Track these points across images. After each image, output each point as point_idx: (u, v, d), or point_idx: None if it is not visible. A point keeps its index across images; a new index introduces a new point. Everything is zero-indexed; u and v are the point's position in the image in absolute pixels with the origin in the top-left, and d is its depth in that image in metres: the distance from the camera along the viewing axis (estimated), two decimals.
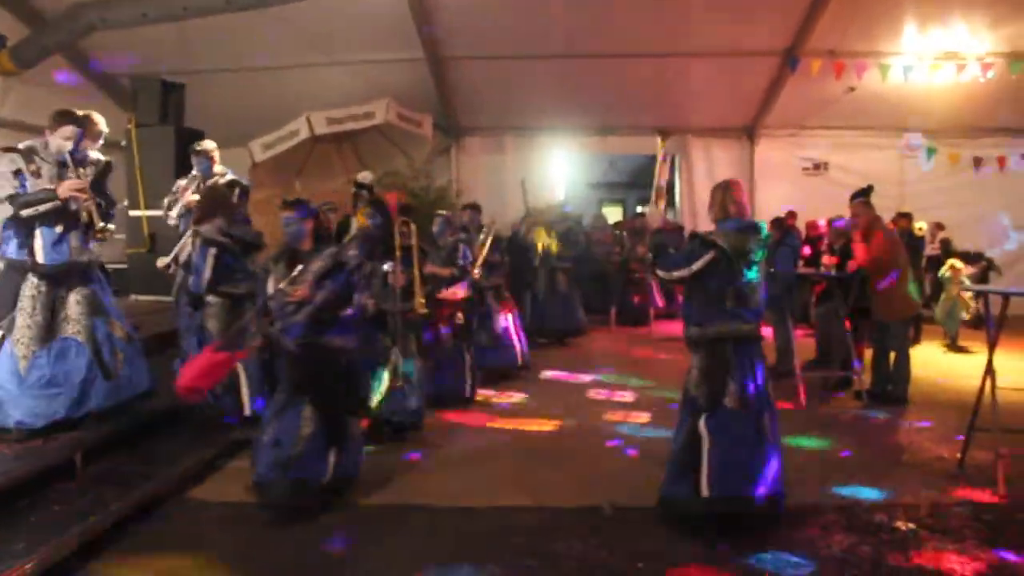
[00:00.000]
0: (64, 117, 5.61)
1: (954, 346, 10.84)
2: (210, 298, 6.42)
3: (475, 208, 10.04)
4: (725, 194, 4.99)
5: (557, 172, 14.96)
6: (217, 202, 6.59)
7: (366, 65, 12.22)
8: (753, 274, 4.85)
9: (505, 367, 9.13)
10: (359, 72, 12.24)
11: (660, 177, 5.61)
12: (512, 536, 4.75)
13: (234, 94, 12.37)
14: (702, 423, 4.75)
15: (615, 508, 5.12)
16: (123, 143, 10.33)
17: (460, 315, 7.93)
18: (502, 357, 9.14)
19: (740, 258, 4.79)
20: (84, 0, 10.10)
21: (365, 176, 10.24)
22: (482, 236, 9.18)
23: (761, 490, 4.63)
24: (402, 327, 6.68)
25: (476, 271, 8.53)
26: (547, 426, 7.19)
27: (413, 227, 6.88)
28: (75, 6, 10.15)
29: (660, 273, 5.09)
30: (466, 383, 7.97)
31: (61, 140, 5.56)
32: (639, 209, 21.95)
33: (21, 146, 5.58)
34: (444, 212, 9.17)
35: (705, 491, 4.62)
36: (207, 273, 6.32)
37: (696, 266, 4.80)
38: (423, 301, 6.72)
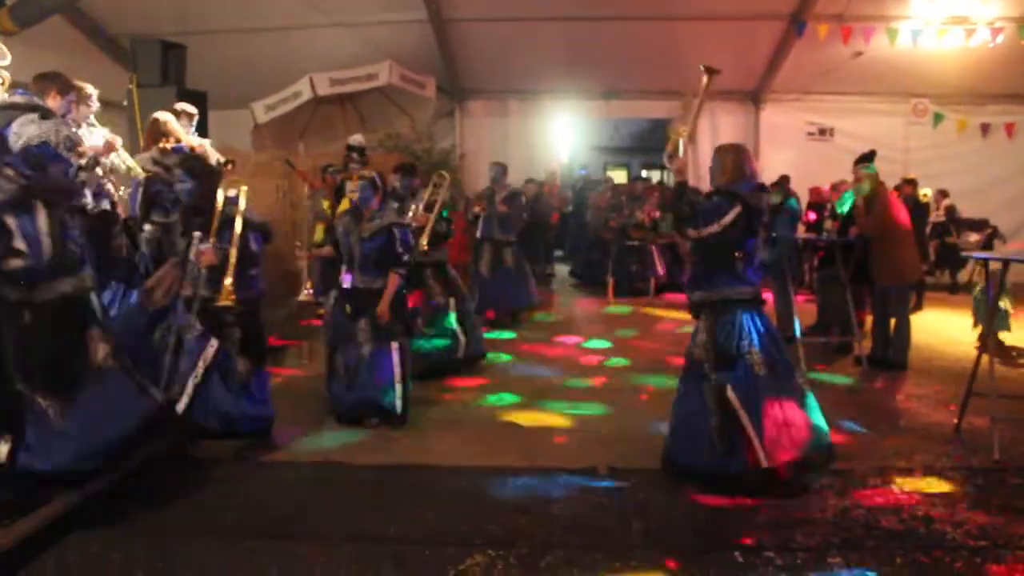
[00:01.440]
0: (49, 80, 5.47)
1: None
2: (145, 225, 6.43)
3: (408, 171, 8.18)
4: (738, 155, 4.92)
5: (561, 135, 14.88)
6: (151, 133, 6.68)
7: (369, 27, 12.14)
8: (758, 238, 4.83)
9: (443, 362, 7.63)
10: (362, 33, 12.15)
11: (693, 122, 5.36)
12: (506, 495, 4.81)
13: (236, 55, 12.30)
14: (730, 393, 4.68)
15: (611, 469, 5.17)
16: (124, 103, 10.29)
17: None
18: (441, 349, 7.67)
19: (756, 217, 4.75)
20: None
21: (356, 138, 10.22)
22: (424, 199, 7.81)
23: (819, 445, 4.72)
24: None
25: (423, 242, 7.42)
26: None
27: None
28: None
29: (691, 232, 4.87)
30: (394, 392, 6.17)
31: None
32: (644, 174, 21.90)
33: None
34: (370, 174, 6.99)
35: (764, 463, 4.58)
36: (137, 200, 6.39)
37: (727, 219, 4.67)
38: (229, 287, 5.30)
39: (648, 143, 24.09)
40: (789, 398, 4.73)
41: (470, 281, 9.75)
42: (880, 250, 7.74)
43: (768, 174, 12.57)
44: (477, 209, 9.97)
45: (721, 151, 5.00)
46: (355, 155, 9.93)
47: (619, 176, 23.73)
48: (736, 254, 4.76)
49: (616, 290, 12.39)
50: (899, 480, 4.95)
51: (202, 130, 8.25)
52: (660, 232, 12.55)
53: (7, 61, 6.14)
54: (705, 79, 5.27)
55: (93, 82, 6.63)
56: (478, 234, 10.03)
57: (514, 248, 9.96)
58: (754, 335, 4.77)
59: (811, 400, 4.84)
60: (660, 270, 12.70)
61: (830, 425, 4.98)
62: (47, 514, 4.16)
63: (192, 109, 7.58)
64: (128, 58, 11.64)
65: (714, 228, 4.72)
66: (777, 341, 4.87)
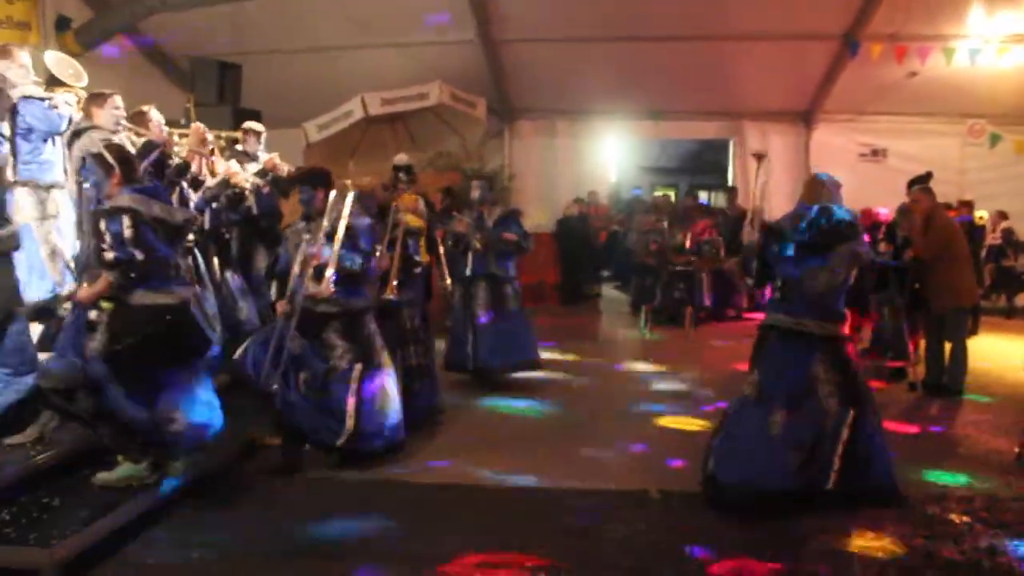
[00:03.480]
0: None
1: None
2: None
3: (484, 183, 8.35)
4: (813, 187, 5.04)
5: (609, 156, 14.86)
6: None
7: (420, 47, 12.27)
8: (789, 254, 4.78)
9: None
10: (413, 54, 12.29)
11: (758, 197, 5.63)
12: (557, 515, 4.78)
13: (290, 75, 12.50)
14: (731, 403, 5.03)
15: (662, 492, 5.12)
16: (182, 122, 10.51)
17: None
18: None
19: (775, 239, 4.78)
20: None
21: (401, 158, 10.29)
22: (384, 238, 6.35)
23: (756, 481, 4.65)
24: None
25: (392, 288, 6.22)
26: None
27: None
28: None
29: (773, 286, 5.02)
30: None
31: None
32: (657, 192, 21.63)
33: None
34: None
35: (708, 470, 4.83)
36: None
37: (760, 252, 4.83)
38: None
39: (696, 164, 23.95)
40: (755, 425, 4.74)
41: (450, 330, 8.13)
42: (936, 273, 7.59)
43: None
44: (460, 228, 7.89)
45: (805, 184, 5.23)
46: (402, 175, 10.03)
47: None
48: (772, 275, 4.89)
49: (657, 318, 11.51)
50: (959, 509, 4.82)
51: None
52: (704, 256, 11.55)
53: (84, 82, 6.34)
54: (755, 165, 5.52)
55: (151, 101, 6.80)
56: (467, 270, 7.85)
57: (515, 286, 8.04)
58: (768, 359, 4.87)
59: (776, 446, 4.68)
60: (707, 300, 11.73)
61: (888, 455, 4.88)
62: (103, 527, 4.24)
63: (259, 127, 7.75)
64: (185, 78, 11.95)
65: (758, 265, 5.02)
66: (800, 379, 4.75)
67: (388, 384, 5.65)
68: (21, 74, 5.99)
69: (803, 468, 4.67)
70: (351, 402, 5.40)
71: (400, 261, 6.37)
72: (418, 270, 6.83)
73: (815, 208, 4.80)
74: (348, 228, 5.47)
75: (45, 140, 5.88)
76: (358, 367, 5.49)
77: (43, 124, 5.79)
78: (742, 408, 4.89)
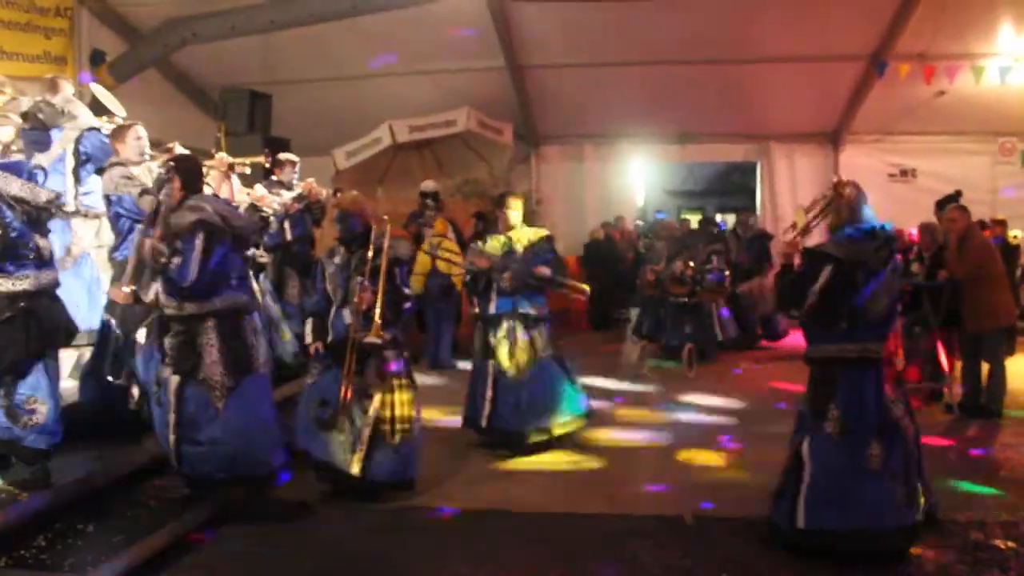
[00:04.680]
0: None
1: None
2: None
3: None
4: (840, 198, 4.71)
5: (636, 179, 14.85)
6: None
7: (447, 74, 12.38)
8: (874, 284, 4.46)
9: None
10: (440, 81, 12.39)
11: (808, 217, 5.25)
12: (592, 542, 4.74)
13: (318, 104, 12.67)
14: (805, 446, 4.54)
15: (697, 518, 5.06)
16: (213, 151, 10.66)
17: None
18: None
19: (857, 269, 4.45)
20: (177, 16, 10.51)
21: (428, 185, 10.40)
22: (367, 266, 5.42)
23: (869, 522, 4.35)
24: None
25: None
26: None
27: None
28: (168, 22, 10.58)
29: (795, 313, 4.74)
30: None
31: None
32: (719, 218, 21.50)
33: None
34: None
35: (801, 522, 4.42)
36: None
37: (818, 286, 4.42)
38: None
39: (723, 187, 23.87)
40: (850, 466, 4.43)
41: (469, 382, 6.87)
42: (972, 294, 7.48)
43: None
44: (482, 264, 6.65)
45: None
46: (429, 201, 10.12)
47: (692, 222, 23.51)
48: (841, 312, 4.46)
49: (668, 356, 10.28)
50: (1003, 535, 4.71)
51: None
52: (706, 288, 10.04)
53: (124, 114, 6.48)
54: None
55: (182, 130, 6.94)
56: (491, 308, 6.66)
57: (546, 328, 6.75)
58: (845, 392, 4.51)
59: (879, 480, 4.43)
60: (721, 334, 10.68)
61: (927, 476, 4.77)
62: (138, 554, 4.25)
63: (293, 157, 7.85)
64: (215, 108, 12.12)
65: (812, 300, 4.47)
66: (876, 407, 4.50)
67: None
68: (80, 105, 6.16)
69: (908, 500, 4.45)
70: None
71: (385, 295, 5.33)
72: (408, 304, 5.62)
73: (867, 227, 4.57)
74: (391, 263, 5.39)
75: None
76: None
77: (101, 154, 5.91)
78: (826, 448, 4.49)
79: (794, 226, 4.94)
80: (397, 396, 5.39)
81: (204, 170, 6.37)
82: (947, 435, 7.05)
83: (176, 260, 4.74)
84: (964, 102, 12.19)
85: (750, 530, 4.84)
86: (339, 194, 6.49)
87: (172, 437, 4.91)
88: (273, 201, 7.13)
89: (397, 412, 5.37)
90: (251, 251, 6.76)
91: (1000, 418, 7.39)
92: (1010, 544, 4.58)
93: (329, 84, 12.66)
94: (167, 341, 4.96)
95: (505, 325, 6.55)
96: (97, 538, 4.34)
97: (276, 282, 7.45)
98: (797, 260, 4.65)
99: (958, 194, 7.89)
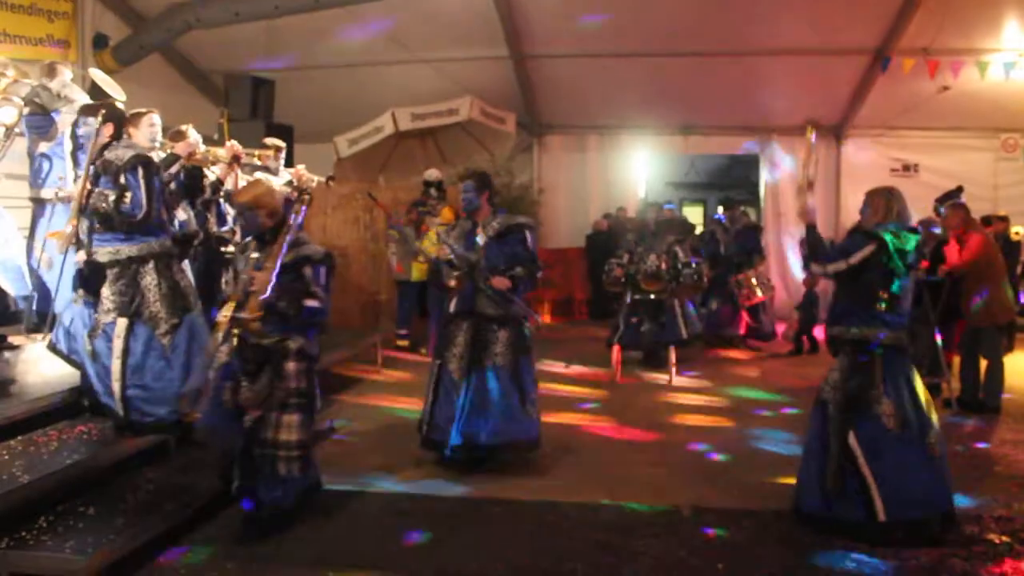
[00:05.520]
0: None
1: None
2: None
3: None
4: (891, 197, 4.84)
5: (638, 171, 14.85)
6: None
7: (451, 63, 12.35)
8: (906, 279, 4.72)
9: None
10: (444, 69, 12.37)
11: (809, 167, 5.46)
12: (589, 531, 4.77)
13: (321, 91, 12.66)
14: (853, 438, 4.61)
15: (694, 508, 5.09)
16: (216, 136, 10.66)
17: None
18: None
19: (900, 257, 4.64)
20: (181, 1, 10.50)
21: (433, 173, 10.40)
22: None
23: (944, 506, 4.63)
24: None
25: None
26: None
27: None
28: (172, 6, 10.58)
29: (815, 268, 4.86)
30: None
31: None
32: (719, 211, 21.45)
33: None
34: None
35: (882, 516, 4.51)
36: None
37: (854, 259, 4.62)
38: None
39: (725, 179, 23.88)
40: (916, 457, 4.60)
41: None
42: (971, 289, 7.51)
43: (850, 211, 12.37)
44: (442, 255, 5.93)
45: (871, 194, 4.95)
46: (432, 190, 10.12)
47: (694, 214, 23.53)
48: (881, 294, 4.64)
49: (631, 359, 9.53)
50: (998, 529, 4.74)
51: (288, 163, 8.48)
52: (685, 284, 8.98)
53: (124, 98, 6.49)
54: (809, 129, 5.44)
55: (185, 116, 6.94)
56: (451, 306, 5.91)
57: (512, 332, 5.75)
58: (889, 384, 4.65)
59: (941, 464, 4.69)
60: (685, 331, 9.17)
61: None
62: (138, 536, 4.27)
63: (280, 143, 7.85)
64: (218, 93, 12.13)
65: (840, 266, 4.67)
66: (915, 395, 4.72)
67: None
68: (77, 90, 6.16)
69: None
70: None
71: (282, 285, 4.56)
72: (314, 304, 4.64)
73: (910, 225, 4.82)
74: None
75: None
76: None
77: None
78: (890, 444, 4.58)
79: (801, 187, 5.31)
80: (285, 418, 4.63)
81: (211, 157, 6.41)
82: (945, 430, 7.06)
83: (127, 195, 5.08)
84: (968, 98, 12.16)
85: (747, 521, 4.88)
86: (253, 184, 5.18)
87: (117, 385, 5.15)
88: None
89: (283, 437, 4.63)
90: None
91: (998, 414, 7.42)
92: (1004, 538, 4.61)
93: (332, 71, 12.64)
94: (107, 288, 5.22)
95: (464, 325, 5.77)
96: (98, 520, 4.35)
97: None
98: (815, 220, 4.94)
99: (959, 190, 7.89)
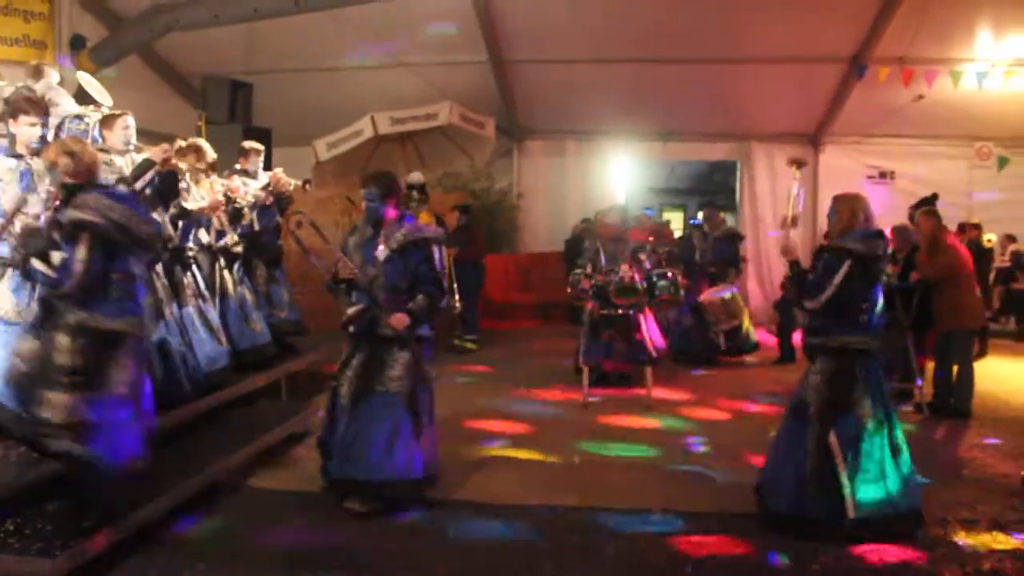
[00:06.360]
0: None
1: None
2: None
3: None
4: (854, 204, 4.90)
5: (618, 176, 14.90)
6: None
7: (431, 67, 12.39)
8: (879, 284, 4.86)
9: None
10: (424, 74, 12.40)
11: (795, 206, 5.58)
12: (560, 534, 4.79)
13: (300, 94, 12.65)
14: (833, 439, 4.68)
15: (665, 511, 5.12)
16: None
17: None
18: None
19: (872, 264, 4.73)
20: (160, 3, 10.48)
21: (415, 176, 10.39)
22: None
23: (915, 503, 4.76)
24: None
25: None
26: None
27: None
28: (151, 9, 10.55)
29: (809, 304, 4.84)
30: None
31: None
32: (699, 216, 21.50)
33: None
34: None
35: (851, 514, 4.58)
36: None
37: (837, 280, 4.68)
38: None
39: (705, 185, 23.99)
40: (884, 457, 4.72)
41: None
42: (942, 295, 7.60)
43: (827, 218, 12.44)
44: (344, 273, 5.24)
45: (838, 200, 5.01)
46: (415, 193, 10.11)
47: (674, 219, 23.60)
48: (862, 306, 4.76)
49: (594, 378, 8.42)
50: (963, 533, 4.80)
51: (267, 166, 8.46)
52: (660, 294, 8.51)
53: (110, 103, 6.43)
54: (795, 169, 5.67)
55: (163, 118, 6.90)
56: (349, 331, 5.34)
57: (411, 356, 5.17)
58: (867, 386, 4.77)
59: (905, 458, 4.82)
60: (658, 342, 8.71)
61: None
62: (106, 538, 4.25)
63: (259, 146, 7.82)
64: (196, 96, 12.09)
65: (829, 292, 4.71)
66: (884, 396, 4.85)
67: None
68: (63, 93, 6.09)
69: None
70: None
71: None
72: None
73: (875, 230, 4.87)
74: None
75: None
76: None
77: None
78: (864, 439, 4.70)
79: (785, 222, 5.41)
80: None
81: (185, 166, 6.34)
82: (916, 434, 7.14)
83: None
84: (942, 106, 12.30)
85: (719, 524, 4.91)
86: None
87: None
88: (247, 193, 7.13)
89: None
90: (223, 240, 6.81)
91: (968, 418, 7.51)
92: (969, 541, 4.66)
93: (311, 75, 12.65)
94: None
95: (361, 345, 5.22)
96: (66, 522, 4.32)
97: (246, 272, 7.41)
98: (798, 256, 5.05)
99: (935, 197, 7.99)
